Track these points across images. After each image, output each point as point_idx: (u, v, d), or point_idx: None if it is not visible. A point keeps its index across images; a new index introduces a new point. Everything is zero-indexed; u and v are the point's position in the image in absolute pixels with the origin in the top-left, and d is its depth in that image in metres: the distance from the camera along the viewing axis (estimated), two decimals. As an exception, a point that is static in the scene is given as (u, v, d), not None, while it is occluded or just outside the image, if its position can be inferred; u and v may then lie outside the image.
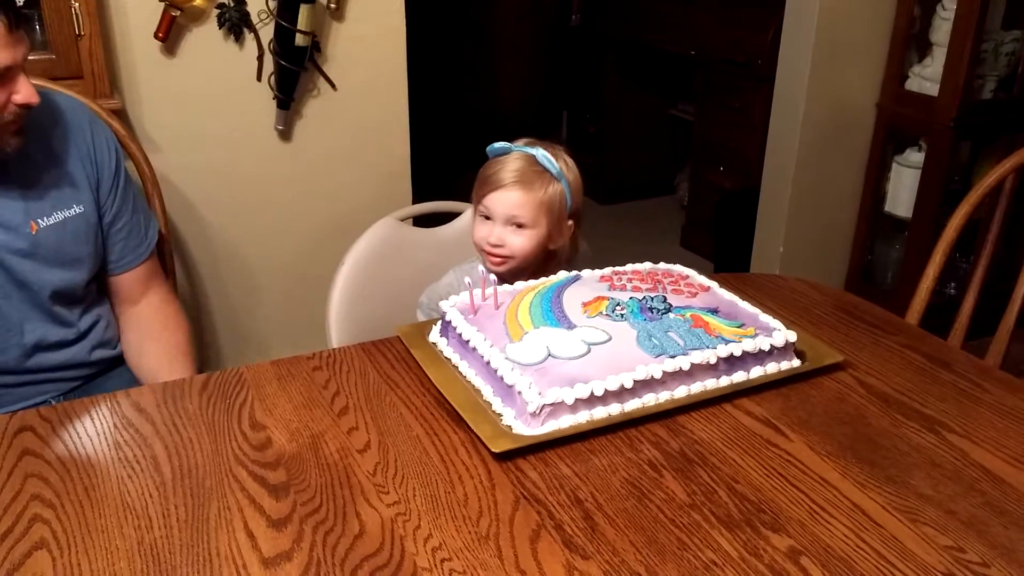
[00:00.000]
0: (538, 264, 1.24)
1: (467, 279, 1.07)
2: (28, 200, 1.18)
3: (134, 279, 1.33)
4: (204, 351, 1.92)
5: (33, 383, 1.24)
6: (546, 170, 1.20)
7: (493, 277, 1.06)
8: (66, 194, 1.22)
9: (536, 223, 1.20)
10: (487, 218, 1.21)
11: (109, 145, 1.28)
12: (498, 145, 1.22)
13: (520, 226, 1.20)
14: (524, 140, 1.23)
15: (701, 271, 1.19)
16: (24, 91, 1.10)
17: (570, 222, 1.25)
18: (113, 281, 1.32)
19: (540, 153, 1.20)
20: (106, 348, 1.32)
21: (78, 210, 1.23)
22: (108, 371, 1.33)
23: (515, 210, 1.19)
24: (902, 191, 2.62)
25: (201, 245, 1.85)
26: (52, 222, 1.20)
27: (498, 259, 1.21)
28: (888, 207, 2.68)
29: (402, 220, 1.44)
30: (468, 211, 1.39)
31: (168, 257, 1.51)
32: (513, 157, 1.21)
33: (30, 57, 1.48)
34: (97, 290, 1.32)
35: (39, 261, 1.20)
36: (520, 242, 1.20)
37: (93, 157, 1.25)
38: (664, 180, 3.93)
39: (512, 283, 1.12)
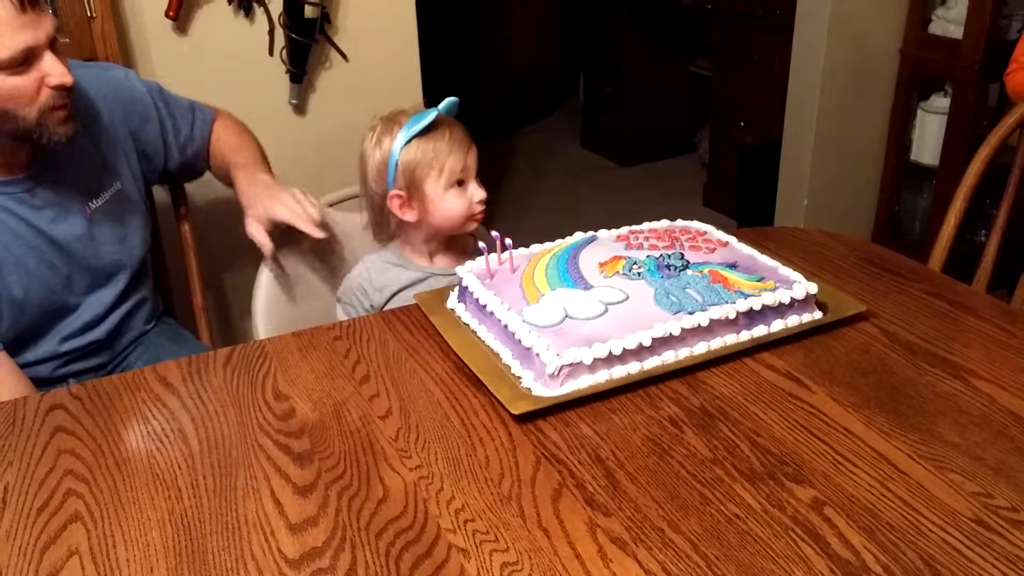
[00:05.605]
0: None
1: (481, 244, 1.06)
2: (80, 184, 1.20)
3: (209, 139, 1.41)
4: (219, 326, 1.94)
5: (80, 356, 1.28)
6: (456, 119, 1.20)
7: (509, 241, 1.06)
8: (111, 170, 1.24)
9: None
10: (460, 183, 1.19)
11: (143, 101, 1.30)
12: (426, 120, 1.16)
13: (477, 175, 1.21)
14: (397, 112, 1.21)
15: (724, 229, 1.18)
16: (55, 72, 1.03)
17: None
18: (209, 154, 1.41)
19: (445, 103, 1.18)
20: (146, 320, 1.38)
21: (127, 180, 1.26)
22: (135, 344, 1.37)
23: (475, 160, 1.19)
24: (928, 138, 2.56)
25: (218, 222, 1.86)
26: (102, 201, 1.23)
27: (482, 213, 1.22)
28: (914, 155, 2.62)
29: (330, 205, 1.38)
30: None
31: (189, 232, 1.53)
32: (442, 121, 1.18)
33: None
34: (143, 265, 1.35)
35: (98, 241, 1.23)
36: (483, 189, 1.21)
37: (130, 126, 1.28)
38: (684, 139, 3.88)
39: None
